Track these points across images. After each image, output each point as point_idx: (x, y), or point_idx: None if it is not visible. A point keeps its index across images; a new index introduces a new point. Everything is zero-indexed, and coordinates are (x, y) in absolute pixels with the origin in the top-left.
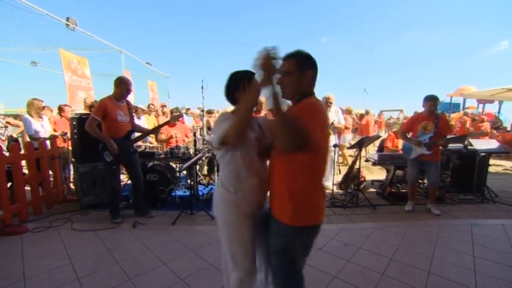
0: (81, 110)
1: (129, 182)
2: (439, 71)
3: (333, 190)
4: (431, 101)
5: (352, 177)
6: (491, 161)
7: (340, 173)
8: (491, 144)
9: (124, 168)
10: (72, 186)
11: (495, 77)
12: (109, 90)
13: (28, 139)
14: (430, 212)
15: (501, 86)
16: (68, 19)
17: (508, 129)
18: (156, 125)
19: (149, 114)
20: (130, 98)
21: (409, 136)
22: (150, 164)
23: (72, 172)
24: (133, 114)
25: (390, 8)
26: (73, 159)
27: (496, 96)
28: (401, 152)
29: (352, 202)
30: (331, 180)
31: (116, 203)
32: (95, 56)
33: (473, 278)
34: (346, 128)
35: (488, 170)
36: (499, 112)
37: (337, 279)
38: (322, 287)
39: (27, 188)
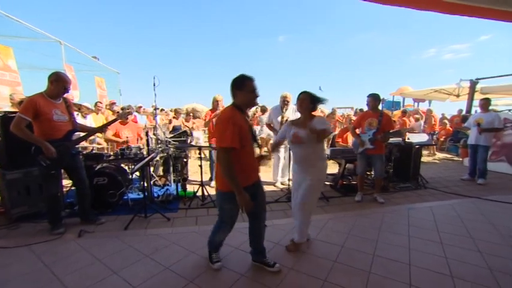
0: (8, 107)
1: (74, 187)
2: (384, 70)
3: (289, 185)
4: (370, 97)
5: None
6: (424, 152)
7: None
8: (422, 137)
9: (65, 173)
10: None
11: (426, 79)
12: (44, 84)
13: None
14: (376, 201)
15: (430, 87)
16: None
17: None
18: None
19: (97, 113)
20: (75, 95)
21: (358, 132)
22: (98, 167)
23: None
24: (77, 112)
25: (341, 12)
26: None
27: (426, 96)
28: (351, 146)
29: None
30: (287, 176)
31: (57, 211)
32: (25, 45)
33: (407, 255)
34: None
35: (421, 160)
36: None
37: (293, 271)
38: (279, 280)
39: None
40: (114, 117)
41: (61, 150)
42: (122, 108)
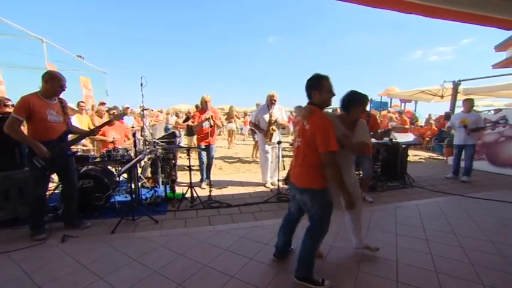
0: None
1: (57, 191)
2: (371, 71)
3: (278, 186)
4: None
5: None
6: (410, 152)
7: (284, 169)
8: (409, 137)
9: (56, 174)
10: None
11: (412, 80)
12: (26, 84)
13: None
14: (364, 200)
15: (416, 88)
16: None
17: (422, 125)
18: (90, 125)
19: (81, 114)
20: None
21: None
22: (83, 169)
23: None
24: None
25: (331, 13)
26: None
27: (412, 97)
28: None
29: None
30: (277, 176)
31: (40, 215)
32: (4, 43)
33: (395, 252)
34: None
35: (408, 159)
36: (415, 110)
37: (283, 271)
38: (269, 279)
39: None
40: (98, 118)
41: (56, 151)
42: (109, 109)
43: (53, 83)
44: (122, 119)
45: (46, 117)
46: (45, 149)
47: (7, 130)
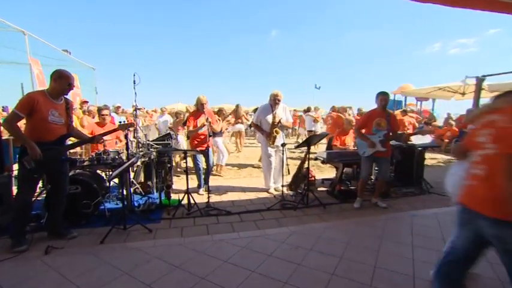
0: None
1: (40, 198)
2: (382, 68)
3: (282, 192)
4: (383, 95)
5: (301, 177)
6: (427, 155)
7: (289, 173)
8: (426, 139)
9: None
10: None
11: (429, 76)
12: (6, 80)
13: None
14: (377, 207)
15: (433, 84)
16: None
17: (441, 125)
18: (78, 125)
19: None
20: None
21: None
22: (70, 174)
23: None
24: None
25: (336, 5)
26: None
27: (429, 94)
28: (350, 149)
29: (303, 203)
30: (281, 181)
31: (24, 223)
32: None
33: (411, 266)
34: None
35: (425, 163)
36: (433, 109)
37: (288, 285)
38: None
39: None
40: (88, 118)
41: (51, 154)
42: (99, 109)
43: (61, 81)
44: (112, 117)
45: (47, 118)
46: (39, 151)
47: (5, 125)
